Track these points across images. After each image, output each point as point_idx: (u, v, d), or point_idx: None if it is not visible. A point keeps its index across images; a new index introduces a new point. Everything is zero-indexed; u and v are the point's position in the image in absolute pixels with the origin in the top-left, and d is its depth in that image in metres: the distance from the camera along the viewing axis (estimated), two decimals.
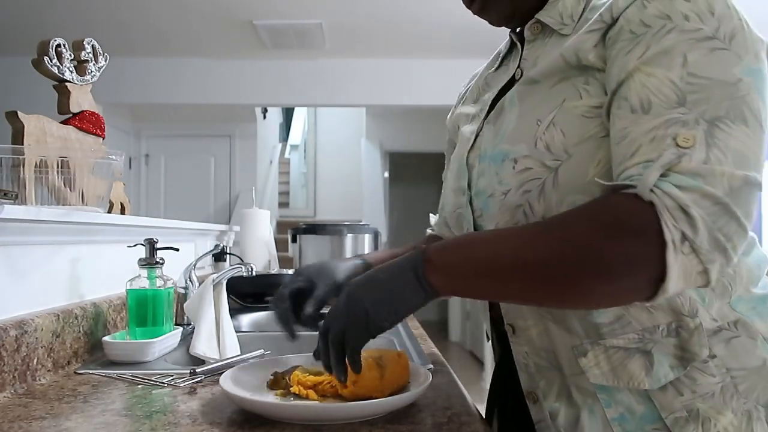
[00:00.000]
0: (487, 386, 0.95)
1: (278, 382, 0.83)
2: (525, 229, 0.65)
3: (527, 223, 0.67)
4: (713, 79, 0.60)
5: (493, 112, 0.79)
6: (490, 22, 0.81)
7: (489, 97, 0.83)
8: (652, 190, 0.57)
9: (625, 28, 0.64)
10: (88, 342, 1.11)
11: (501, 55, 0.87)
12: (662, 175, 0.57)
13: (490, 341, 0.91)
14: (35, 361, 0.94)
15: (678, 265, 0.56)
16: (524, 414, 0.79)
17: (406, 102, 5.05)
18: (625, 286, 0.58)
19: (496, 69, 0.86)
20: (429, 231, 1.07)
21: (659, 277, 0.56)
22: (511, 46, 0.84)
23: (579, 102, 0.68)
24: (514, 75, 0.79)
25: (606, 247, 0.57)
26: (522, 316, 0.76)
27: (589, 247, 0.58)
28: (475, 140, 0.81)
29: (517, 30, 0.81)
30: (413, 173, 8.05)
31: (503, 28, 0.82)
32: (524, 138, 0.71)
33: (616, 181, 0.61)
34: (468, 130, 0.84)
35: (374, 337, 0.67)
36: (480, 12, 0.80)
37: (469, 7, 0.81)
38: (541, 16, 0.76)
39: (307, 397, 0.78)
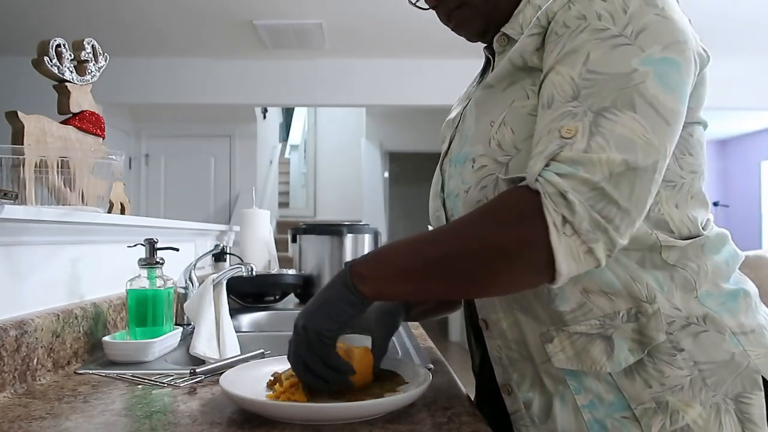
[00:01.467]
0: (475, 384, 0.97)
1: (278, 382, 0.83)
2: (436, 231, 0.71)
3: (442, 225, 0.73)
4: (608, 73, 0.64)
5: (460, 119, 0.85)
6: (467, 39, 0.86)
7: (462, 107, 0.88)
8: (537, 180, 0.62)
9: (553, 30, 0.69)
10: (88, 342, 1.11)
11: (480, 71, 0.93)
12: (546, 166, 0.62)
13: (467, 339, 0.95)
14: (35, 361, 0.94)
15: (563, 246, 0.60)
16: (503, 408, 0.82)
17: (406, 102, 5.05)
18: (522, 269, 0.64)
19: (477, 84, 0.91)
20: None
21: (549, 258, 0.61)
22: (487, 61, 0.89)
23: (526, 102, 0.73)
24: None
25: (499, 235, 0.64)
26: (493, 310, 0.80)
27: (485, 237, 0.64)
28: (448, 147, 0.87)
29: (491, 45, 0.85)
30: (413, 173, 8.05)
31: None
32: (481, 139, 0.76)
33: (505, 177, 0.68)
34: (447, 139, 0.90)
35: (321, 348, 0.71)
36: (456, 29, 0.85)
37: (446, 24, 0.86)
38: (506, 28, 0.80)
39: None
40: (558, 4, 0.70)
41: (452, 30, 0.86)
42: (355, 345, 0.82)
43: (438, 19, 0.88)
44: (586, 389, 0.73)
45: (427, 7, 0.86)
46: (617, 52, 0.64)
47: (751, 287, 0.78)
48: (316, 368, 0.71)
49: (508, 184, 0.68)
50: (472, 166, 0.76)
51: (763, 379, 0.71)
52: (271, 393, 0.79)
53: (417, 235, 0.73)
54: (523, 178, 0.65)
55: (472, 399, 0.89)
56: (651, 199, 0.64)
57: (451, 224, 0.71)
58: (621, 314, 0.71)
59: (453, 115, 0.93)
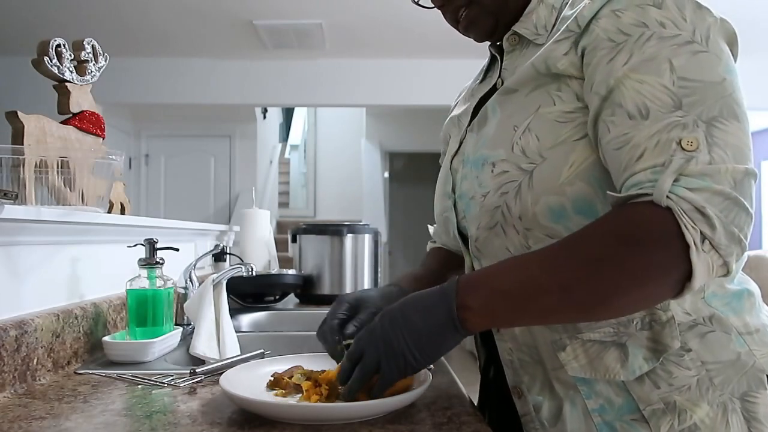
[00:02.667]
0: (479, 385, 0.97)
1: (278, 383, 0.83)
2: (547, 254, 0.66)
3: (547, 246, 0.67)
4: (703, 81, 0.63)
5: (475, 120, 0.83)
6: (475, 39, 0.85)
7: (470, 106, 0.88)
8: (668, 197, 0.60)
9: (602, 37, 0.67)
10: (88, 342, 1.11)
11: (484, 68, 0.92)
12: (675, 181, 0.60)
13: (474, 341, 0.94)
14: (35, 361, 0.94)
15: (701, 263, 0.59)
16: (510, 409, 0.81)
17: (406, 102, 5.06)
18: (654, 291, 0.62)
19: (481, 81, 0.91)
20: (430, 244, 1.10)
21: (685, 276, 0.60)
22: (492, 58, 0.88)
23: (553, 108, 0.72)
24: (495, 84, 0.83)
25: (630, 259, 0.61)
26: None
27: (613, 261, 0.61)
28: (459, 147, 0.85)
29: (497, 43, 0.85)
30: (413, 173, 8.05)
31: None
32: (502, 143, 0.75)
33: (623, 187, 0.64)
34: (454, 138, 0.89)
35: (402, 371, 0.69)
36: (464, 29, 0.84)
37: (455, 26, 0.85)
38: (518, 27, 0.79)
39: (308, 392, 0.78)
40: (589, 10, 0.68)
41: (461, 31, 0.84)
42: None
43: (439, 19, 0.87)
44: (596, 394, 0.73)
45: (431, 6, 0.85)
46: (698, 59, 0.64)
47: (754, 287, 0.78)
48: (369, 379, 0.70)
49: (618, 201, 0.64)
50: (492, 171, 0.74)
51: None
52: (281, 391, 0.80)
53: (521, 257, 0.69)
54: (633, 196, 0.62)
55: (477, 398, 0.89)
56: None
57: (563, 245, 0.65)
58: (635, 322, 0.71)
59: (458, 112, 0.91)
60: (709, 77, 0.63)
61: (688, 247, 0.58)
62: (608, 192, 0.66)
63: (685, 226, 0.59)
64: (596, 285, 0.62)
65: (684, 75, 0.63)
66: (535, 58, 0.74)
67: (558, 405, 0.76)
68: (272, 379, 0.84)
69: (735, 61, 0.69)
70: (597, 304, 0.63)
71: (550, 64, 0.72)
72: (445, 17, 0.85)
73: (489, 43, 0.87)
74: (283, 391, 0.81)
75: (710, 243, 0.59)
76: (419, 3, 0.86)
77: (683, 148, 0.61)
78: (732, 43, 0.68)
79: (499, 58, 0.84)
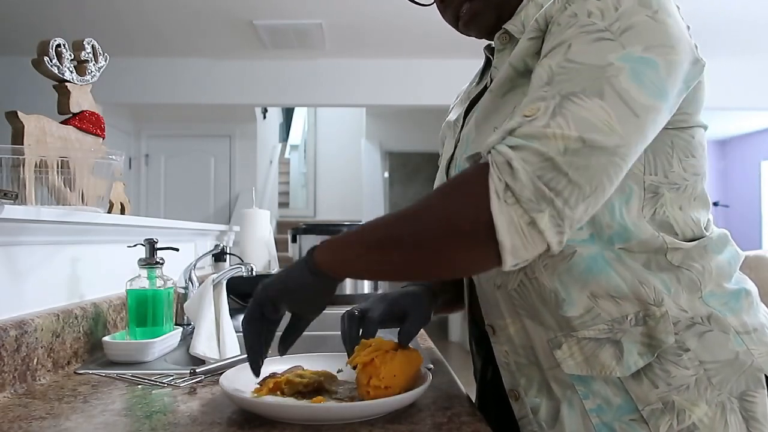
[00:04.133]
0: (476, 388, 0.97)
1: (264, 388, 0.81)
2: (399, 210, 0.70)
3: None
4: (585, 63, 0.64)
5: (465, 122, 0.85)
6: (476, 35, 0.85)
7: (464, 108, 0.88)
8: (489, 152, 0.62)
9: (550, 30, 0.70)
10: (88, 342, 1.11)
11: (480, 70, 0.92)
12: (502, 140, 0.62)
13: (470, 347, 0.94)
14: (35, 361, 0.94)
15: (504, 216, 0.59)
16: (508, 412, 0.81)
17: (406, 102, 5.05)
18: (465, 241, 0.62)
19: (477, 83, 0.91)
20: None
21: (491, 230, 0.59)
22: (487, 61, 0.89)
23: None
24: (486, 85, 0.84)
25: (443, 207, 0.64)
26: (500, 316, 0.79)
27: (432, 206, 0.65)
28: (453, 150, 0.86)
29: (491, 44, 0.86)
30: (413, 173, 8.05)
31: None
32: (481, 145, 0.75)
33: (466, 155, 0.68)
34: (449, 142, 0.90)
35: (268, 314, 0.74)
36: (466, 25, 0.84)
37: (454, 23, 0.85)
38: (507, 25, 0.80)
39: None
40: (556, 8, 0.70)
41: (461, 28, 0.84)
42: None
43: (439, 19, 0.87)
44: (594, 393, 0.73)
45: (428, 3, 0.85)
46: (597, 45, 0.64)
47: (752, 286, 0.78)
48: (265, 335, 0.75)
49: (470, 163, 0.67)
50: None
51: (766, 377, 0.72)
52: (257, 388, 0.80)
53: (383, 215, 0.73)
54: (474, 155, 0.65)
55: (474, 402, 0.89)
56: (611, 184, 0.62)
57: (413, 202, 0.70)
58: (629, 318, 0.71)
59: (454, 116, 0.92)
60: (593, 60, 0.63)
61: (489, 195, 0.59)
62: (464, 154, 0.69)
63: (491, 175, 0.60)
64: (413, 225, 0.65)
65: (572, 57, 0.64)
66: (512, 57, 0.75)
67: (555, 406, 0.75)
68: (266, 377, 0.82)
69: (698, 64, 0.69)
70: (413, 246, 0.65)
71: (528, 61, 0.73)
72: (443, 15, 0.85)
73: (484, 45, 0.87)
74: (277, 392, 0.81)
75: (512, 194, 0.59)
76: (415, 1, 0.86)
77: (524, 115, 0.63)
78: (682, 45, 0.67)
79: (491, 58, 0.85)
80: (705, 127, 0.77)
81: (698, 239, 0.74)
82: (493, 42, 0.84)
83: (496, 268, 0.74)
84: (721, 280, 0.74)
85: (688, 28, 0.71)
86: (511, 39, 0.80)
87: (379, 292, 0.97)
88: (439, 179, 0.88)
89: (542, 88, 0.64)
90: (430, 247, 0.64)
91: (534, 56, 0.72)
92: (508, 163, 0.59)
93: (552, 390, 0.76)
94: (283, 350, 0.79)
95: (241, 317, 1.79)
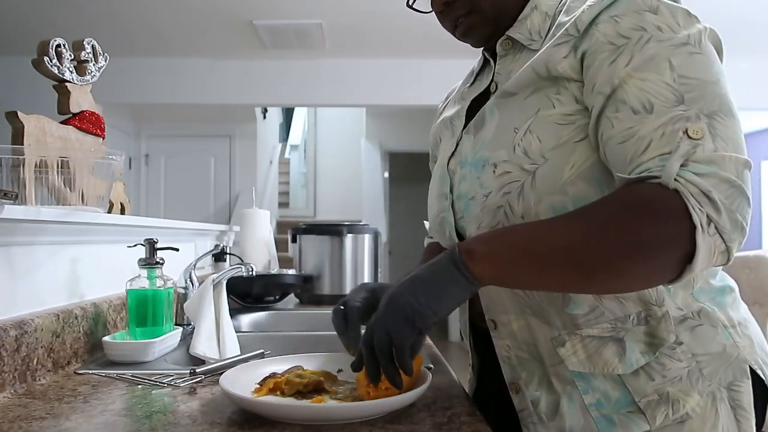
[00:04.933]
0: (475, 384, 0.97)
1: (264, 388, 0.81)
2: (560, 217, 0.69)
3: (560, 214, 0.70)
4: (700, 79, 0.66)
5: (471, 122, 0.84)
6: (472, 45, 0.86)
7: (462, 108, 0.89)
8: (676, 179, 0.62)
9: (602, 41, 0.70)
10: (88, 342, 1.11)
11: (475, 72, 0.93)
12: (683, 166, 0.62)
13: (465, 339, 0.94)
14: (35, 361, 0.94)
15: (705, 245, 0.61)
16: (506, 407, 0.83)
17: (406, 102, 5.05)
18: (656, 266, 0.63)
19: (471, 85, 0.92)
20: (427, 239, 1.11)
21: (687, 257, 0.61)
22: (484, 62, 0.90)
23: (552, 111, 0.74)
24: (489, 88, 0.85)
25: (639, 228, 0.62)
26: (504, 311, 0.80)
27: (623, 228, 0.63)
28: (455, 149, 0.86)
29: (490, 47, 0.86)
30: (413, 173, 8.05)
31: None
32: (503, 145, 0.77)
33: (630, 176, 0.65)
34: (447, 140, 0.90)
35: (422, 334, 0.67)
36: (462, 36, 0.85)
37: (452, 33, 0.86)
38: (512, 32, 0.81)
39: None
40: (588, 15, 0.71)
41: (457, 36, 0.86)
42: None
43: (436, 19, 0.88)
44: (593, 389, 0.75)
45: (427, 10, 0.86)
46: (694, 59, 0.67)
47: (733, 283, 0.83)
48: (391, 356, 0.67)
49: (627, 182, 0.65)
50: (494, 171, 0.76)
51: (750, 368, 0.76)
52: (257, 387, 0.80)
53: (534, 222, 0.71)
54: (645, 177, 0.64)
55: (470, 394, 0.89)
56: None
57: (576, 213, 0.68)
58: (632, 317, 0.74)
59: (449, 114, 0.92)
60: (705, 76, 0.66)
61: (694, 227, 0.60)
62: (617, 174, 0.67)
63: (693, 207, 0.61)
64: (603, 247, 0.63)
65: (683, 73, 0.66)
66: (534, 62, 0.76)
67: (555, 400, 0.78)
68: (258, 386, 0.82)
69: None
70: (598, 266, 0.64)
71: (550, 67, 0.74)
72: (442, 23, 0.87)
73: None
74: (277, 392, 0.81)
75: (715, 227, 0.61)
76: (412, 6, 0.86)
77: (690, 137, 0.63)
78: (719, 50, 0.71)
79: (492, 61, 0.86)
80: None
81: None
82: (491, 46, 0.85)
83: None
84: (708, 276, 0.78)
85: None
86: (514, 45, 0.82)
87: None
88: (440, 177, 0.88)
89: (677, 107, 0.65)
90: (616, 267, 0.64)
91: (560, 61, 0.73)
92: (706, 195, 0.61)
93: (552, 384, 0.78)
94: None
95: (241, 317, 1.79)
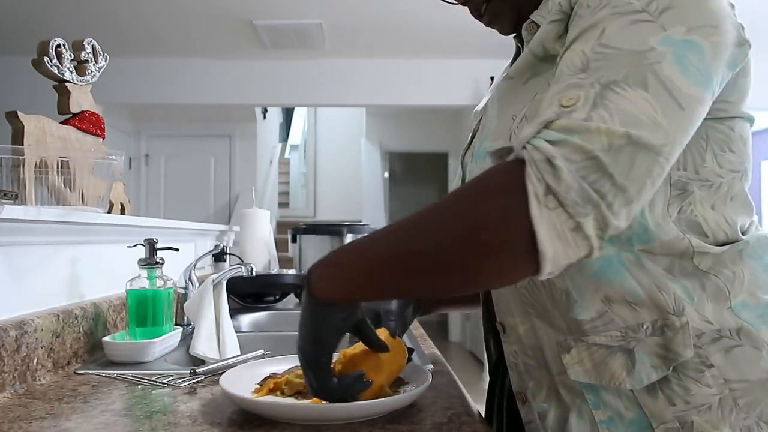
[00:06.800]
0: (487, 386, 0.96)
1: (264, 388, 0.81)
2: (411, 217, 0.61)
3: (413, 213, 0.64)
4: (621, 48, 0.58)
5: (482, 113, 0.82)
6: (500, 32, 0.82)
7: (488, 98, 0.86)
8: (524, 147, 0.55)
9: (577, 13, 0.64)
10: (88, 342, 1.11)
11: (511, 60, 0.88)
12: (538, 133, 0.55)
13: (484, 343, 0.92)
14: (35, 361, 0.94)
15: (545, 222, 0.52)
16: (517, 412, 0.79)
17: (406, 102, 5.05)
18: (501, 251, 0.55)
19: (503, 75, 0.88)
20: None
21: (531, 237, 0.52)
22: (516, 51, 0.85)
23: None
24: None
25: (469, 211, 0.56)
26: (510, 314, 0.75)
27: (455, 215, 0.56)
28: (471, 141, 0.84)
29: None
30: (413, 173, 8.05)
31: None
32: (502, 134, 0.72)
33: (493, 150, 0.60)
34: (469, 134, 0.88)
35: (319, 365, 0.66)
36: (489, 24, 0.81)
37: (479, 20, 0.82)
38: (534, 16, 0.76)
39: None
40: None
41: (486, 25, 0.82)
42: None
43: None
44: (605, 404, 0.67)
45: (456, 2, 0.82)
46: (635, 28, 0.58)
47: None
48: (337, 392, 0.68)
49: (495, 159, 0.59)
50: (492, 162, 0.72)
51: None
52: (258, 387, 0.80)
53: (384, 227, 0.65)
54: (502, 149, 0.58)
55: (476, 399, 0.88)
56: (652, 186, 0.56)
57: (424, 208, 0.61)
58: (645, 326, 0.65)
59: (480, 106, 0.89)
60: (632, 45, 0.57)
61: (528, 198, 0.52)
62: (488, 149, 0.63)
63: (529, 176, 0.53)
64: (431, 235, 0.57)
65: (606, 41, 0.59)
66: (532, 43, 0.71)
67: (564, 414, 0.71)
68: (258, 386, 0.82)
69: (743, 44, 0.63)
70: (440, 266, 0.56)
71: (547, 46, 0.69)
72: (471, 13, 0.83)
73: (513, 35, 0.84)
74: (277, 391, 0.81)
75: (556, 198, 0.52)
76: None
77: (561, 105, 0.56)
78: (726, 24, 0.61)
79: (521, 48, 0.81)
80: (750, 119, 0.69)
81: (732, 243, 0.67)
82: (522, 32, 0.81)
83: None
84: (757, 289, 0.67)
85: (732, 6, 0.64)
86: (537, 29, 0.75)
87: None
88: (457, 172, 0.85)
89: (577, 75, 0.58)
90: (454, 262, 0.56)
91: (555, 40, 0.68)
92: (549, 161, 0.53)
93: (561, 396, 0.71)
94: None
95: (241, 317, 1.79)
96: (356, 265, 0.61)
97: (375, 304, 0.86)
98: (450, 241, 0.56)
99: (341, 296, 0.63)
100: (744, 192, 0.70)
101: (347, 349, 0.77)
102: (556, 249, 0.53)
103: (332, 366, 0.68)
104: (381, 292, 0.64)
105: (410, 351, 0.87)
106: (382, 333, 0.79)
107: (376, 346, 0.73)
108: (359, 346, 0.76)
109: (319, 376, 0.66)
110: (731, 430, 0.63)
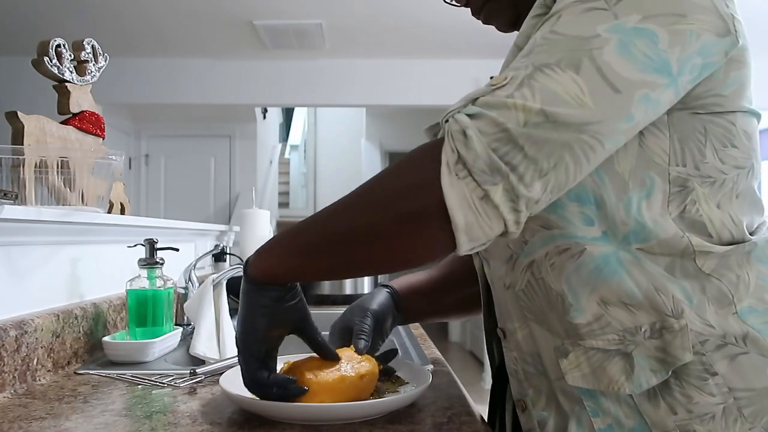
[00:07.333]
0: (487, 386, 0.96)
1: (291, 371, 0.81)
2: (341, 198, 0.64)
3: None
4: (567, 34, 0.58)
5: None
6: (498, 29, 0.82)
7: None
8: (447, 120, 0.57)
9: (551, 8, 0.65)
10: (88, 342, 1.11)
11: None
12: (464, 108, 0.57)
13: (486, 348, 0.91)
14: (35, 361, 0.94)
15: (455, 191, 0.54)
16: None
17: (406, 102, 5.05)
18: (415, 221, 0.56)
19: None
20: None
21: (442, 207, 0.54)
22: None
23: None
24: None
25: (390, 184, 0.58)
26: (510, 319, 0.74)
27: (375, 189, 0.59)
28: None
29: None
30: None
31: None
32: None
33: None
34: None
35: (261, 359, 0.70)
36: (486, 21, 0.81)
37: (477, 17, 0.83)
38: (533, 13, 0.75)
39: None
40: None
41: (483, 23, 0.83)
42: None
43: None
44: (604, 412, 0.66)
45: (458, 4, 0.82)
46: (587, 15, 0.58)
47: None
48: (265, 387, 0.70)
49: (429, 136, 0.61)
50: None
51: None
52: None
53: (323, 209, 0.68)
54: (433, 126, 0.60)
55: (477, 399, 0.88)
56: (577, 164, 0.57)
57: (353, 190, 0.63)
58: (643, 329, 0.64)
59: None
60: (577, 32, 0.58)
61: (440, 167, 0.54)
62: (424, 128, 0.64)
63: (444, 146, 0.55)
64: (353, 216, 0.59)
65: (557, 29, 0.59)
66: (516, 37, 0.70)
67: (563, 422, 0.69)
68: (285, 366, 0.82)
69: (729, 34, 0.61)
70: (357, 234, 0.59)
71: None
72: (471, 13, 0.83)
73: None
74: None
75: (464, 166, 0.53)
76: (448, 1, 0.85)
77: (491, 84, 0.58)
78: (705, 14, 0.60)
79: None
80: (755, 114, 0.67)
81: (738, 243, 0.65)
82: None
83: (504, 266, 0.72)
84: (765, 293, 0.64)
85: (726, 4, 0.62)
86: None
87: (380, 286, 0.95)
88: None
89: (520, 59, 0.59)
90: (373, 235, 0.58)
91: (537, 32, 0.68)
92: (463, 131, 0.54)
93: (560, 404, 0.70)
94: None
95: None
96: (286, 246, 0.65)
97: (348, 320, 0.87)
98: (372, 215, 0.58)
99: (269, 275, 0.66)
100: (752, 189, 0.68)
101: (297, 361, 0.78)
102: (467, 219, 0.54)
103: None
104: (309, 272, 0.68)
105: (393, 353, 0.88)
106: (347, 351, 0.79)
107: (320, 349, 0.75)
108: (313, 359, 0.76)
109: (250, 364, 0.69)
110: None
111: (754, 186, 0.68)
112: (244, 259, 0.68)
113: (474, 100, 0.57)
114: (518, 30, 0.80)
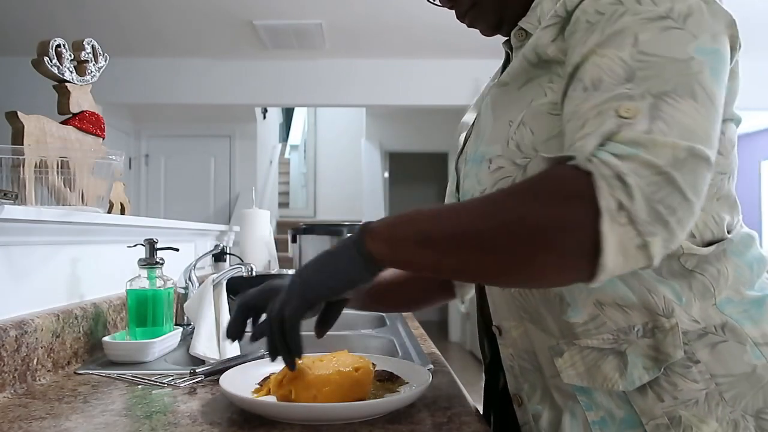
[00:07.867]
0: (483, 386, 0.96)
1: (264, 388, 0.82)
2: (467, 201, 0.65)
3: (473, 197, 0.66)
4: (663, 56, 0.58)
5: (476, 118, 0.83)
6: (482, 33, 0.84)
7: (478, 103, 0.87)
8: (589, 159, 0.55)
9: (582, 19, 0.64)
10: (88, 342, 1.11)
11: (500, 67, 0.90)
12: (601, 145, 0.56)
13: (479, 343, 0.92)
14: (35, 361, 0.94)
15: (614, 237, 0.52)
16: (512, 413, 0.80)
17: (406, 102, 5.05)
18: (560, 256, 0.55)
19: (493, 81, 0.89)
20: None
21: (595, 249, 0.53)
22: (506, 57, 0.86)
23: (544, 99, 0.69)
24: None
25: (540, 213, 0.55)
26: (506, 317, 0.76)
27: (522, 212, 0.57)
28: (463, 146, 0.85)
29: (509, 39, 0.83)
30: (413, 173, 8.05)
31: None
32: (498, 139, 0.73)
33: (550, 156, 0.60)
34: (461, 137, 0.88)
35: (312, 307, 0.68)
36: (471, 25, 0.83)
37: (462, 21, 0.84)
38: (523, 22, 0.77)
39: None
40: None
41: (468, 26, 0.84)
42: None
43: (437, 19, 0.88)
44: (597, 405, 0.68)
45: (441, 5, 0.83)
46: (667, 35, 0.59)
47: None
48: (282, 330, 0.68)
49: (549, 163, 0.59)
50: (489, 167, 0.72)
51: None
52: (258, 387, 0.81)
53: (445, 204, 0.67)
54: (568, 158, 0.57)
55: (477, 398, 0.88)
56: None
57: (485, 196, 0.62)
58: (636, 329, 0.67)
59: (466, 118, 0.91)
60: (672, 53, 0.58)
61: (599, 213, 0.52)
62: (542, 154, 0.62)
63: (600, 190, 0.53)
64: (499, 233, 0.57)
65: (645, 49, 0.59)
66: (525, 49, 0.71)
67: (557, 416, 0.72)
68: (258, 387, 0.83)
69: (736, 47, 0.64)
70: (496, 254, 0.58)
71: (539, 51, 0.69)
72: (456, 16, 0.85)
73: (503, 40, 0.85)
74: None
75: (627, 215, 0.52)
76: (431, 1, 0.85)
77: (620, 116, 0.56)
78: (733, 37, 0.63)
79: (511, 54, 0.82)
80: (737, 121, 0.71)
81: (717, 242, 0.68)
82: (508, 37, 0.82)
83: None
84: (741, 285, 0.69)
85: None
86: (527, 36, 0.76)
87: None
88: (450, 175, 0.86)
89: (624, 85, 0.58)
90: (510, 250, 0.57)
91: (549, 44, 0.68)
92: (620, 177, 0.53)
93: (554, 399, 0.72)
94: (322, 334, 0.77)
95: None
96: (412, 230, 0.63)
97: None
98: (510, 234, 0.56)
99: (385, 259, 0.64)
100: (731, 192, 0.71)
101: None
102: (617, 263, 0.53)
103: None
104: (421, 264, 0.65)
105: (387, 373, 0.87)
106: (343, 354, 0.80)
107: (327, 327, 0.76)
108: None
109: (297, 304, 0.67)
110: (718, 423, 0.65)
111: (732, 189, 0.72)
112: (360, 227, 0.66)
113: (611, 136, 0.56)
114: (501, 34, 0.83)
